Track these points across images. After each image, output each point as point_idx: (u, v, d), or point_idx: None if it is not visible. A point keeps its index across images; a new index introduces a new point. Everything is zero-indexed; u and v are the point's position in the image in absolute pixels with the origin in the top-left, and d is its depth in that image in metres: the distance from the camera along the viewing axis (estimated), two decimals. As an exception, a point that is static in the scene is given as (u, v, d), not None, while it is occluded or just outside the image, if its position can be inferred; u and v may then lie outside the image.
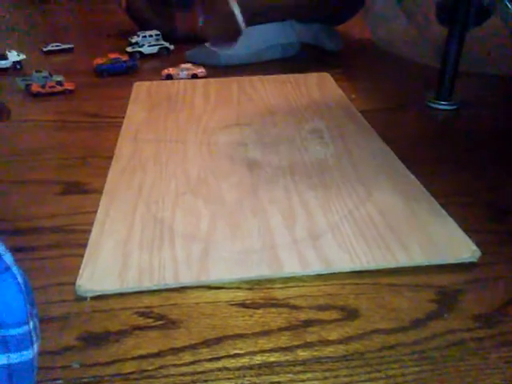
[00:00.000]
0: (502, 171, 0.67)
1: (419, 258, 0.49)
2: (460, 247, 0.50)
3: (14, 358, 0.29)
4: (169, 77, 0.99)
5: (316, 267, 0.48)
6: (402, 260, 0.49)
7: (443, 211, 0.55)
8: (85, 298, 0.45)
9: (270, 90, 0.93)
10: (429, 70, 0.94)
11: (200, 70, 1.00)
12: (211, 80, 0.98)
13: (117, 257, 0.49)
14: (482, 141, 0.76)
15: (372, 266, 0.48)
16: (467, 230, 0.52)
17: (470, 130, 0.80)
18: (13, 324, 0.29)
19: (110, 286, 0.46)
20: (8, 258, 0.29)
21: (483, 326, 0.42)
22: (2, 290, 0.28)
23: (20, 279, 0.29)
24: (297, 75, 0.99)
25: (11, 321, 0.29)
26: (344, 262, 0.48)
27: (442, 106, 0.86)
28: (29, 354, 0.30)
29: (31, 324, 0.30)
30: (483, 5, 0.79)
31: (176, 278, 0.46)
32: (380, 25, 1.20)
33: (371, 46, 1.22)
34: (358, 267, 0.48)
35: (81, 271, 0.47)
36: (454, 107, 0.86)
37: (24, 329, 0.29)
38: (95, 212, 0.56)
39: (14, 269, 0.29)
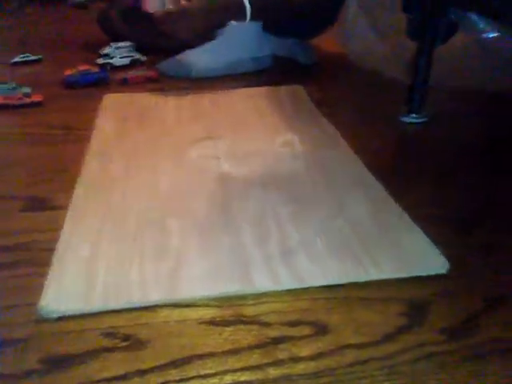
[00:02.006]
0: (471, 184, 0.68)
1: (389, 271, 0.49)
2: (430, 260, 0.50)
3: None
4: (125, 81, 0.99)
5: (287, 283, 0.47)
6: (372, 273, 0.49)
7: (413, 224, 0.56)
8: (48, 319, 0.43)
9: (242, 102, 0.92)
10: (400, 83, 0.95)
11: (152, 73, 1.00)
12: (183, 93, 0.97)
13: (82, 276, 0.47)
14: (451, 154, 0.77)
15: (343, 280, 0.48)
16: (437, 243, 0.52)
17: (439, 143, 0.81)
18: None
19: (75, 306, 0.44)
20: None
21: (452, 339, 0.42)
22: None
23: None
24: (269, 88, 1.00)
25: None
26: (315, 277, 0.48)
27: (413, 119, 0.87)
28: None
29: None
30: (451, 20, 0.81)
31: (144, 296, 0.45)
32: (352, 39, 1.22)
33: (344, 59, 1.23)
34: (329, 282, 0.48)
35: (44, 291, 0.45)
36: (425, 120, 0.87)
37: None
38: (60, 229, 0.54)
39: None
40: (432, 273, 0.49)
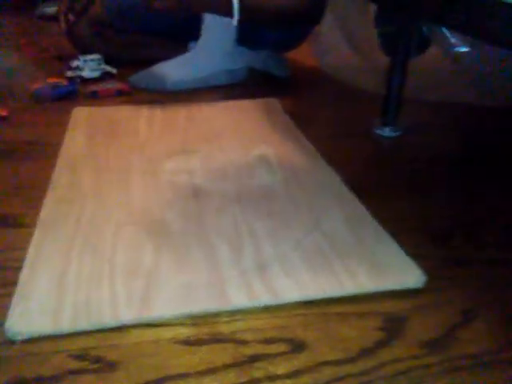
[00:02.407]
0: (446, 197, 0.68)
1: (366, 285, 0.49)
2: (406, 273, 0.50)
3: None
4: (95, 94, 0.98)
5: (264, 299, 0.47)
6: (349, 288, 0.48)
7: (390, 238, 0.56)
8: (15, 341, 0.42)
9: (216, 115, 0.92)
10: (374, 97, 0.97)
11: (123, 86, 0.99)
12: (156, 106, 0.96)
13: (50, 296, 0.46)
14: (426, 167, 0.78)
15: (320, 295, 0.48)
16: (414, 256, 0.52)
17: (414, 155, 0.82)
18: None
19: (42, 327, 0.43)
20: None
21: (430, 353, 0.42)
22: None
23: None
24: (245, 101, 0.99)
25: None
26: (292, 293, 0.47)
27: (388, 132, 0.88)
28: None
29: None
30: (423, 34, 0.82)
31: (115, 316, 0.44)
32: (327, 52, 1.23)
33: (319, 72, 1.25)
34: (306, 297, 0.47)
35: (10, 312, 0.43)
36: (399, 133, 0.88)
37: None
38: (28, 247, 0.52)
39: None
40: (409, 287, 0.49)
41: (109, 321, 0.43)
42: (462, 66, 0.83)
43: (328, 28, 1.17)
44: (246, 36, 1.11)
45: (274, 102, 0.99)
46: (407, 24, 0.81)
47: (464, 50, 0.81)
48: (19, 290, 0.46)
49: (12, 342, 0.41)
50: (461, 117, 0.98)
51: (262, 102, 0.99)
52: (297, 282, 0.48)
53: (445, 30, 0.81)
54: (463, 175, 0.74)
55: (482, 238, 0.59)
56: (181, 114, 0.92)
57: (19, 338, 0.42)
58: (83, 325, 0.43)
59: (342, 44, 1.13)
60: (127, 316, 0.44)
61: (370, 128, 0.90)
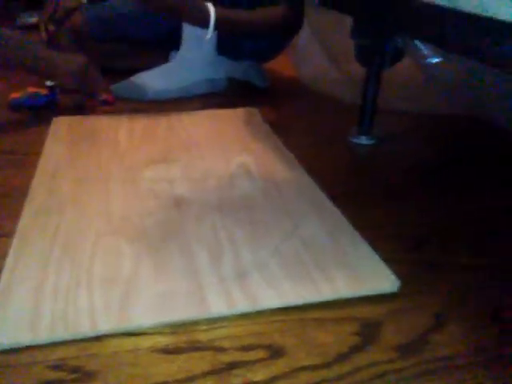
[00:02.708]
0: (421, 204, 0.70)
1: (343, 291, 0.50)
2: (381, 279, 0.52)
3: None
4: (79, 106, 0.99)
5: (242, 306, 0.47)
6: (326, 294, 0.49)
7: (366, 244, 0.57)
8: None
9: (197, 125, 0.92)
10: (351, 106, 0.98)
11: (108, 96, 0.99)
12: (137, 115, 0.96)
13: (28, 306, 0.46)
14: (401, 174, 0.80)
15: (298, 301, 0.48)
16: (389, 262, 0.54)
17: (390, 163, 0.84)
18: None
19: (20, 338, 0.42)
20: None
21: (404, 357, 0.43)
22: None
23: None
24: (225, 110, 1.00)
25: None
26: (270, 300, 0.48)
27: (363, 141, 0.90)
28: None
29: None
30: (397, 46, 0.84)
31: (93, 326, 0.44)
32: (305, 63, 1.25)
33: (297, 83, 1.26)
34: (284, 304, 0.48)
35: (-13, 323, 0.43)
36: (374, 142, 0.90)
37: None
38: (5, 257, 0.52)
39: None
40: (384, 292, 0.50)
41: (87, 330, 0.43)
42: (434, 76, 0.86)
43: (306, 40, 1.18)
44: (226, 46, 1.13)
45: (254, 112, 1.01)
46: (382, 36, 0.83)
47: (436, 60, 0.84)
48: None
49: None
50: (434, 126, 1.00)
51: (242, 111, 1.00)
52: (275, 289, 0.49)
53: (417, 42, 0.83)
54: (437, 183, 0.76)
55: (456, 244, 0.60)
56: (161, 123, 0.92)
57: None
58: (61, 335, 0.43)
59: (319, 55, 1.15)
60: (105, 325, 0.44)
61: (346, 137, 0.92)
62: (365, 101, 0.89)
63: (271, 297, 0.48)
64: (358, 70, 0.92)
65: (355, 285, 0.50)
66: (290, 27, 1.10)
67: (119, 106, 1.02)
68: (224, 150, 0.82)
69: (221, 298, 0.48)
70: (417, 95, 1.01)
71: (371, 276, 0.52)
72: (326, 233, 0.59)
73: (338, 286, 0.50)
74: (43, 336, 0.43)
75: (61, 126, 0.89)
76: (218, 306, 0.47)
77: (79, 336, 0.43)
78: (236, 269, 0.52)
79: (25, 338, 0.42)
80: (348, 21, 0.84)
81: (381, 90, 0.88)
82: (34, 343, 0.42)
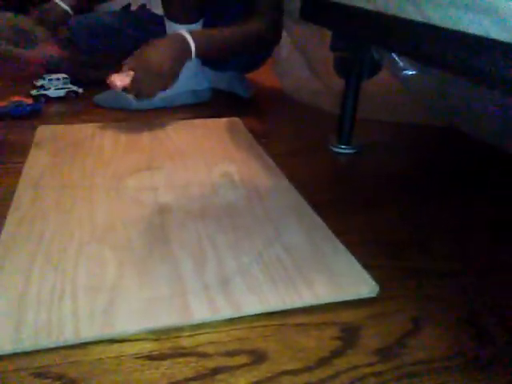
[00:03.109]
0: (400, 210, 0.72)
1: (323, 296, 0.51)
2: (360, 284, 0.53)
3: None
4: None
5: (226, 312, 0.48)
6: (307, 299, 0.50)
7: (346, 250, 0.58)
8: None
9: (181, 134, 0.93)
10: (331, 116, 1.00)
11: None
12: (122, 124, 0.97)
13: (11, 314, 0.46)
14: (381, 182, 0.82)
15: (280, 306, 0.49)
16: (368, 267, 0.55)
17: (369, 171, 0.86)
18: None
19: (2, 346, 0.42)
20: None
21: (383, 360, 0.44)
22: None
23: None
24: (208, 120, 1.01)
25: None
26: (253, 305, 0.49)
27: (343, 149, 0.92)
28: None
29: None
30: (374, 58, 0.87)
31: (77, 333, 0.44)
32: (287, 74, 1.27)
33: (280, 93, 1.28)
34: (266, 309, 0.49)
35: (-31, 332, 0.43)
36: (354, 151, 0.92)
37: None
38: (-12, 266, 0.52)
39: None
40: (363, 296, 0.52)
41: (70, 338, 0.43)
42: (411, 88, 0.88)
43: (287, 51, 1.21)
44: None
45: (237, 122, 1.02)
46: (359, 49, 0.86)
47: (412, 73, 0.86)
48: None
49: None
50: (412, 136, 1.03)
51: (225, 121, 1.01)
52: (257, 295, 0.50)
53: (394, 55, 0.85)
54: (416, 191, 0.78)
55: (433, 250, 0.62)
56: (145, 133, 0.93)
57: None
58: (44, 343, 0.43)
59: (300, 67, 1.18)
60: (89, 333, 0.44)
61: (327, 146, 0.93)
62: (344, 111, 0.91)
63: (253, 302, 0.49)
64: (337, 81, 0.94)
65: (335, 290, 0.52)
66: (267, 43, 1.12)
67: (103, 115, 1.02)
68: (207, 158, 0.83)
69: (204, 305, 0.48)
70: (394, 106, 1.04)
71: (351, 281, 0.53)
72: (307, 239, 0.60)
73: (318, 291, 0.51)
74: (26, 344, 0.43)
75: (45, 134, 0.89)
76: (201, 313, 0.47)
77: (62, 344, 0.43)
78: (219, 275, 0.53)
79: (7, 345, 0.42)
80: (328, 33, 0.86)
81: (360, 101, 0.90)
82: (17, 351, 0.42)
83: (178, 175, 0.76)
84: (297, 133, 1.02)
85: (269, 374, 0.42)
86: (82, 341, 0.44)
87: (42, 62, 1.14)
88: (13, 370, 0.41)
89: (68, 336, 0.44)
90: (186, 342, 0.45)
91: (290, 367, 0.43)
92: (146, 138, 0.91)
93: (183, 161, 0.82)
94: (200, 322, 0.47)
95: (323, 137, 0.96)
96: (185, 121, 1.01)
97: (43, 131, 0.91)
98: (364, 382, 0.42)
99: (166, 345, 0.45)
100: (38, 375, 0.41)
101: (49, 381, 0.40)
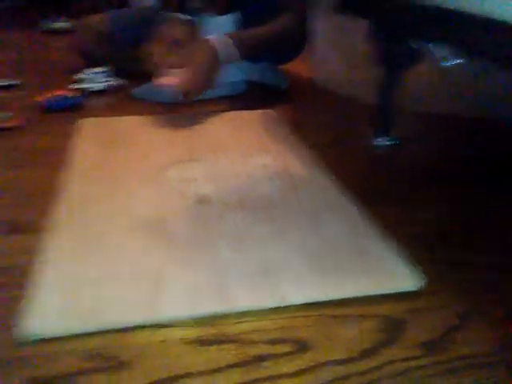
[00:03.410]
0: (443, 203, 0.71)
1: (366, 288, 0.51)
2: (404, 277, 0.52)
3: None
4: None
5: (267, 301, 0.48)
6: (349, 291, 0.50)
7: (387, 242, 0.58)
8: (27, 342, 0.43)
9: (217, 126, 0.94)
10: (367, 107, 0.99)
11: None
12: (160, 117, 0.98)
13: (62, 298, 0.47)
14: (420, 174, 0.80)
15: (322, 297, 0.49)
16: (411, 260, 0.55)
17: (406, 164, 0.85)
18: None
19: (54, 328, 0.44)
20: None
21: (428, 354, 0.44)
22: None
23: None
24: (243, 112, 1.02)
25: None
26: (294, 295, 0.49)
27: (381, 142, 0.91)
28: None
29: None
30: (414, 48, 0.85)
31: (125, 317, 0.45)
32: (321, 65, 1.26)
33: (314, 84, 1.28)
34: (308, 299, 0.49)
35: (23, 314, 0.45)
36: (392, 143, 0.91)
37: None
38: (40, 252, 0.54)
39: None
40: (406, 290, 0.51)
41: (119, 321, 0.45)
42: (450, 78, 0.86)
43: (322, 42, 1.20)
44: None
45: (272, 113, 1.02)
46: (398, 39, 0.84)
47: (452, 63, 0.84)
48: (31, 292, 0.48)
49: (25, 343, 0.43)
50: (449, 127, 1.00)
51: (259, 113, 1.02)
52: (299, 285, 0.50)
53: (432, 45, 0.84)
54: (457, 182, 0.77)
55: (479, 242, 0.61)
56: (183, 125, 0.94)
57: (32, 338, 0.43)
58: (93, 326, 0.44)
59: (336, 57, 1.17)
60: (137, 317, 0.45)
61: (363, 137, 0.92)
62: (382, 102, 0.90)
63: (295, 293, 0.49)
64: (374, 72, 0.93)
65: (378, 283, 0.51)
66: (296, 37, 1.14)
67: (142, 108, 1.04)
68: (244, 150, 0.84)
69: (246, 293, 0.49)
70: (433, 97, 1.02)
71: (394, 274, 0.53)
72: (346, 231, 0.60)
73: (361, 283, 0.51)
74: (76, 326, 0.44)
75: (86, 127, 0.92)
76: (243, 301, 0.48)
77: (111, 327, 0.45)
78: (260, 266, 0.53)
79: (58, 328, 0.44)
80: (363, 23, 0.85)
81: (398, 92, 0.88)
82: (67, 334, 0.44)
83: (216, 167, 0.77)
84: (332, 124, 1.02)
85: (312, 363, 0.42)
86: (131, 325, 0.45)
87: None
88: (65, 351, 0.43)
89: (117, 319, 0.45)
90: (229, 330, 0.46)
91: (332, 357, 0.43)
92: (183, 130, 0.92)
93: (221, 153, 0.82)
94: (243, 310, 0.48)
95: (359, 128, 0.95)
96: (220, 113, 1.01)
97: (84, 123, 0.93)
98: (408, 375, 0.42)
99: (211, 331, 0.45)
100: (89, 356, 0.42)
101: (100, 362, 0.42)
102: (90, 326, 0.44)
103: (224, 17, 1.08)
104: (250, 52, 1.04)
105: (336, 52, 1.19)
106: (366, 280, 0.51)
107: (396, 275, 0.53)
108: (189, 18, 1.00)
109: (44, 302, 0.47)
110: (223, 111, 1.03)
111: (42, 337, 0.44)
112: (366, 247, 0.57)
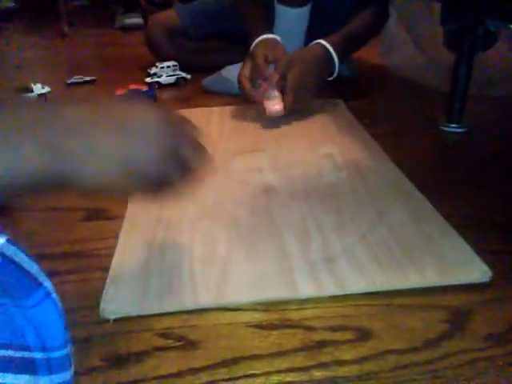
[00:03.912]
0: (511, 192, 0.68)
1: (432, 279, 0.50)
2: (472, 268, 0.51)
3: (56, 379, 0.30)
4: None
5: (331, 289, 0.49)
6: (414, 281, 0.50)
7: (455, 232, 0.57)
8: (108, 320, 0.47)
9: (283, 116, 0.95)
10: (439, 94, 0.96)
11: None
12: (226, 107, 1.01)
13: (138, 280, 0.51)
14: (492, 162, 0.77)
15: (386, 287, 0.50)
16: (479, 251, 0.53)
17: (480, 151, 0.81)
18: (55, 347, 0.30)
19: (131, 308, 0.48)
20: (48, 285, 0.31)
21: (494, 346, 0.43)
22: (45, 315, 0.30)
23: (59, 305, 0.31)
24: (311, 102, 1.01)
25: (54, 344, 0.30)
26: (358, 284, 0.50)
27: (453, 129, 0.88)
28: (68, 375, 0.31)
29: (68, 347, 0.32)
30: (489, 30, 0.81)
31: (195, 300, 0.48)
32: (392, 51, 1.23)
33: (384, 71, 1.25)
34: (371, 289, 0.49)
35: (104, 294, 0.49)
36: (465, 130, 0.87)
37: (64, 351, 0.31)
38: (117, 237, 0.58)
39: (54, 295, 0.31)
40: (475, 281, 0.50)
41: (189, 304, 0.48)
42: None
43: (393, 27, 1.16)
44: (315, 38, 1.13)
45: (339, 103, 1.01)
46: (473, 21, 0.80)
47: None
48: (111, 274, 0.52)
49: (104, 322, 0.47)
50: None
51: (326, 103, 1.01)
52: (363, 274, 0.51)
53: (511, 26, 0.79)
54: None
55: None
56: (249, 116, 0.95)
57: (112, 317, 0.47)
58: (167, 307, 0.48)
59: (407, 42, 1.13)
60: (206, 300, 0.48)
61: (435, 125, 0.89)
62: (455, 88, 0.86)
63: (359, 281, 0.50)
64: (447, 56, 0.89)
65: (444, 273, 0.51)
66: (380, 28, 1.11)
67: (210, 99, 1.07)
68: (310, 140, 0.84)
69: (310, 281, 0.50)
70: (509, 80, 0.96)
71: (461, 265, 0.52)
72: (413, 221, 0.59)
73: (426, 273, 0.50)
74: (152, 307, 0.48)
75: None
76: (307, 288, 0.49)
77: (183, 308, 0.48)
78: (324, 254, 0.54)
79: (136, 308, 0.48)
80: (436, 6, 0.82)
81: (471, 76, 0.85)
82: (143, 313, 0.47)
83: (282, 157, 0.78)
84: (402, 112, 0.99)
85: (374, 352, 0.43)
86: (200, 307, 0.48)
87: None
88: (140, 330, 0.46)
89: (188, 302, 0.48)
90: (292, 315, 0.47)
91: (395, 346, 0.43)
92: (249, 120, 0.94)
93: (286, 142, 0.84)
94: (305, 297, 0.49)
95: (431, 115, 0.92)
96: None
97: None
98: (474, 366, 0.41)
99: (274, 316, 0.47)
100: (162, 335, 0.45)
101: (171, 341, 0.45)
102: (164, 308, 0.48)
103: (301, 9, 1.07)
104: (346, 55, 1.03)
105: (408, 37, 1.15)
106: (433, 270, 0.51)
107: (463, 266, 0.51)
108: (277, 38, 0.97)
109: (121, 284, 0.51)
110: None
111: (120, 316, 0.47)
112: (432, 237, 0.56)
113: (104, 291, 0.49)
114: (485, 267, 0.51)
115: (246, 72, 0.93)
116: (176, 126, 0.45)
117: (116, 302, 0.48)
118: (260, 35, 0.96)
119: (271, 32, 0.98)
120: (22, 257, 0.30)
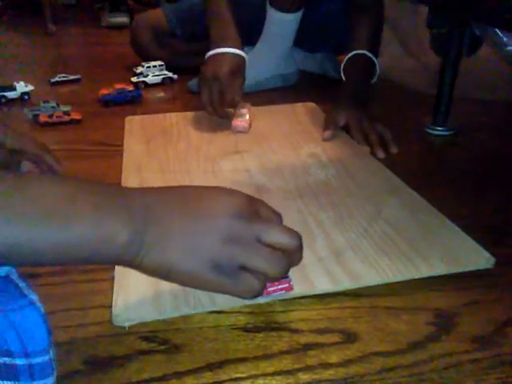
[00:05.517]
0: (500, 194, 0.68)
1: (440, 268, 0.51)
2: (475, 255, 0.53)
3: None
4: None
5: (345, 283, 0.50)
6: (424, 271, 0.51)
7: (451, 223, 0.58)
8: (89, 325, 0.46)
9: (262, 119, 0.93)
10: (425, 96, 0.96)
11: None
12: (200, 113, 0.96)
13: (148, 283, 0.49)
14: (478, 165, 0.77)
15: (398, 277, 0.50)
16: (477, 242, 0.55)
17: (465, 154, 0.82)
18: (37, 352, 0.30)
19: (146, 313, 0.46)
20: (34, 297, 0.31)
21: (480, 348, 0.43)
22: (28, 319, 0.30)
23: (42, 310, 0.31)
24: (285, 106, 1.01)
25: (36, 349, 0.30)
26: (371, 276, 0.50)
27: (439, 131, 0.88)
28: (50, 381, 0.31)
29: (51, 352, 0.31)
30: (475, 34, 0.82)
31: (211, 301, 0.47)
32: (379, 53, 1.23)
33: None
34: (384, 280, 0.50)
35: (114, 300, 0.47)
36: (451, 132, 0.88)
37: (46, 357, 0.30)
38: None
39: (38, 304, 0.31)
40: (480, 267, 0.52)
41: (207, 305, 0.47)
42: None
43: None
44: (311, 40, 1.13)
45: (312, 106, 1.01)
46: (459, 25, 0.81)
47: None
48: (117, 278, 0.50)
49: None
50: (510, 115, 0.96)
51: (300, 106, 1.01)
52: (373, 267, 0.51)
53: (496, 30, 0.80)
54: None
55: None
56: (229, 118, 0.94)
57: (127, 324, 0.45)
58: (182, 309, 0.47)
59: (393, 45, 1.13)
60: (222, 300, 0.47)
61: (421, 127, 0.90)
62: (441, 91, 0.87)
63: (371, 274, 0.50)
64: (433, 60, 0.90)
65: (451, 262, 0.52)
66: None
67: (195, 100, 1.06)
68: (292, 141, 0.84)
69: (323, 276, 0.50)
70: (495, 84, 0.97)
71: (465, 253, 0.53)
72: (409, 214, 0.60)
73: (434, 263, 0.52)
74: (165, 311, 0.46)
75: (134, 124, 0.93)
76: (322, 283, 0.49)
77: (201, 310, 0.47)
78: (331, 249, 0.54)
79: (150, 313, 0.46)
80: (423, 9, 0.82)
81: (457, 80, 0.85)
82: (159, 318, 0.46)
83: (267, 157, 0.78)
84: (389, 113, 0.99)
85: (360, 354, 0.43)
86: (218, 308, 0.47)
87: None
88: (124, 333, 0.45)
89: (205, 302, 0.47)
90: (278, 318, 0.47)
91: (381, 349, 0.43)
92: (227, 123, 0.90)
93: (268, 144, 0.83)
94: (323, 291, 0.49)
95: (417, 117, 0.93)
96: (264, 106, 1.00)
97: (131, 121, 0.94)
98: (460, 369, 0.41)
99: (260, 318, 0.47)
100: (145, 339, 0.44)
101: (155, 344, 0.44)
102: (178, 310, 0.47)
103: (293, 14, 1.06)
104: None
105: (395, 39, 1.16)
106: (439, 260, 0.52)
107: (467, 254, 0.53)
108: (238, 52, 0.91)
109: (131, 289, 0.49)
110: (270, 104, 1.02)
111: (135, 322, 0.46)
112: (431, 228, 0.58)
113: (114, 296, 0.48)
114: (487, 254, 0.52)
115: (208, 99, 0.88)
116: (255, 214, 0.43)
117: (128, 308, 0.47)
118: (221, 47, 0.91)
119: (238, 44, 0.92)
120: (13, 271, 0.30)
